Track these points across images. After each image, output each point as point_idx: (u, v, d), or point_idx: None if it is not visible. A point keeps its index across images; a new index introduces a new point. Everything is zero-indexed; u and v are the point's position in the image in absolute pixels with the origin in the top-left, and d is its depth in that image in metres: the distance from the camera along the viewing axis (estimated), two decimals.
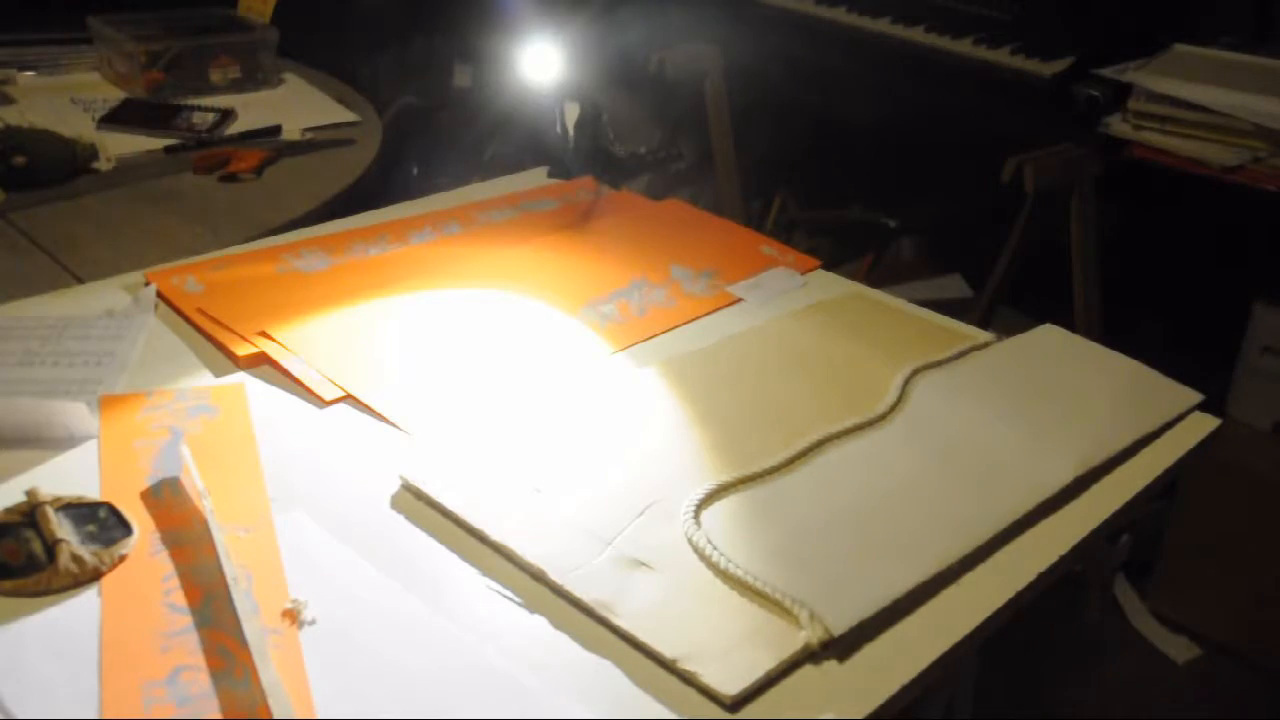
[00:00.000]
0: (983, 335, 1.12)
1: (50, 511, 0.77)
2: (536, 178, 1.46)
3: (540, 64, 1.38)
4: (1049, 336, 1.12)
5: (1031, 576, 0.81)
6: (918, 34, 2.22)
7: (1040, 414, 0.98)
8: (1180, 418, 1.00)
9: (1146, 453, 0.96)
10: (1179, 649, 2.00)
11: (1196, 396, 1.03)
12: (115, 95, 1.88)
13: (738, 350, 1.08)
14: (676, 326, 1.12)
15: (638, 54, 2.12)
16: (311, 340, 1.04)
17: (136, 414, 0.92)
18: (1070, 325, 1.16)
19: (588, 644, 0.73)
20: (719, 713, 0.69)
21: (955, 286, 2.42)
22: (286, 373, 0.99)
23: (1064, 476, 0.90)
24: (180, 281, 1.12)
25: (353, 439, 0.93)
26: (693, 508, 0.84)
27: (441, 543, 0.81)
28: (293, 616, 0.72)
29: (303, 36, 2.11)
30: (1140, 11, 2.10)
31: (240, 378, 0.99)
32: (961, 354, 1.08)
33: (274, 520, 0.81)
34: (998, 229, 1.92)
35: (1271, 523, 1.89)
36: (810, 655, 0.73)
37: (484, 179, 1.47)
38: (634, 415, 0.96)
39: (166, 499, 0.83)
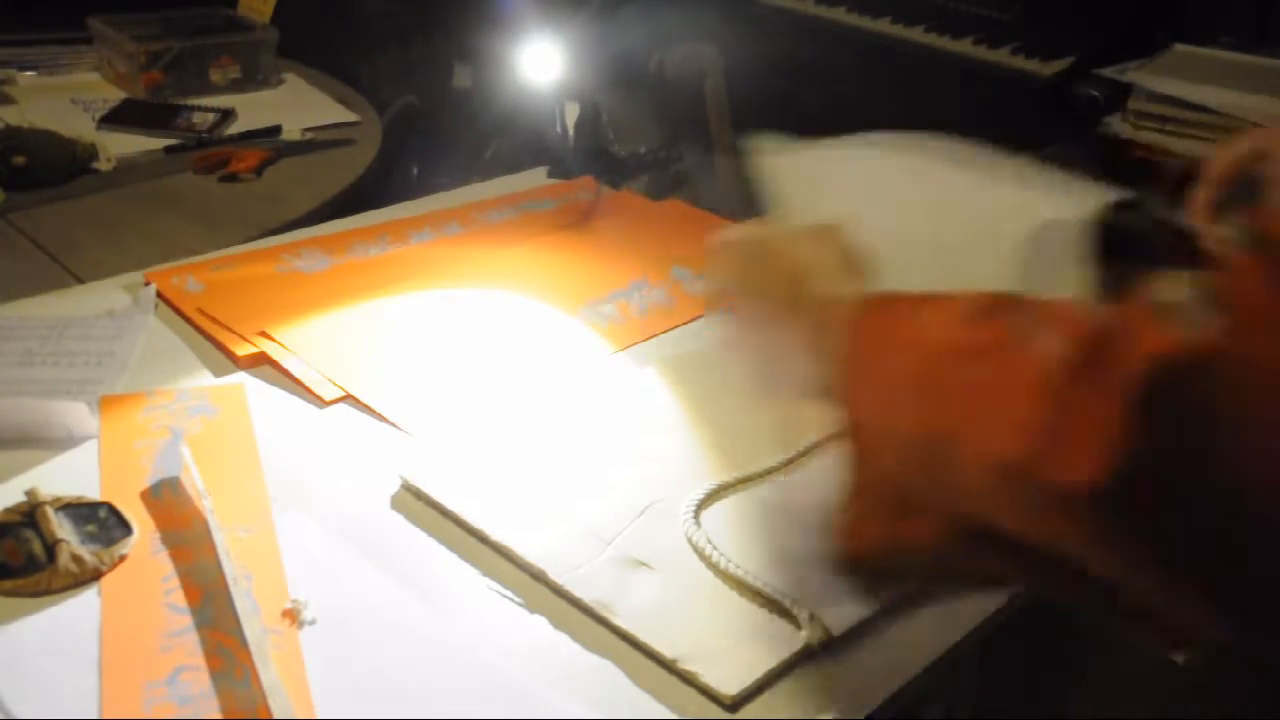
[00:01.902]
0: None
1: (50, 511, 0.77)
2: (536, 178, 1.46)
3: (540, 64, 1.38)
4: None
5: None
6: (918, 34, 2.22)
7: None
8: None
9: None
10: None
11: None
12: (115, 95, 1.88)
13: None
14: (677, 326, 1.12)
15: (638, 54, 2.12)
16: (311, 340, 1.04)
17: (136, 414, 0.92)
18: None
19: (588, 644, 0.73)
20: (719, 713, 0.69)
21: None
22: (286, 373, 0.99)
23: None
24: (180, 281, 1.12)
25: (353, 439, 0.93)
26: (693, 508, 0.84)
27: (441, 543, 0.81)
28: (293, 616, 0.72)
29: (303, 36, 2.11)
30: (1140, 11, 2.10)
31: (240, 378, 0.99)
32: None
33: (274, 520, 0.81)
34: None
35: None
36: (810, 655, 0.73)
37: (484, 179, 1.47)
38: (634, 415, 0.96)
39: (166, 499, 0.83)
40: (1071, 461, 0.49)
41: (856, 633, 0.74)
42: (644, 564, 0.78)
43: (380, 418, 0.95)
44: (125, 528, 0.78)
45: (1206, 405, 0.47)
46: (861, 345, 0.64)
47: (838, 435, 0.65)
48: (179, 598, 0.73)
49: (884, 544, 0.63)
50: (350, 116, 1.88)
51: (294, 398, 0.97)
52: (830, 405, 0.66)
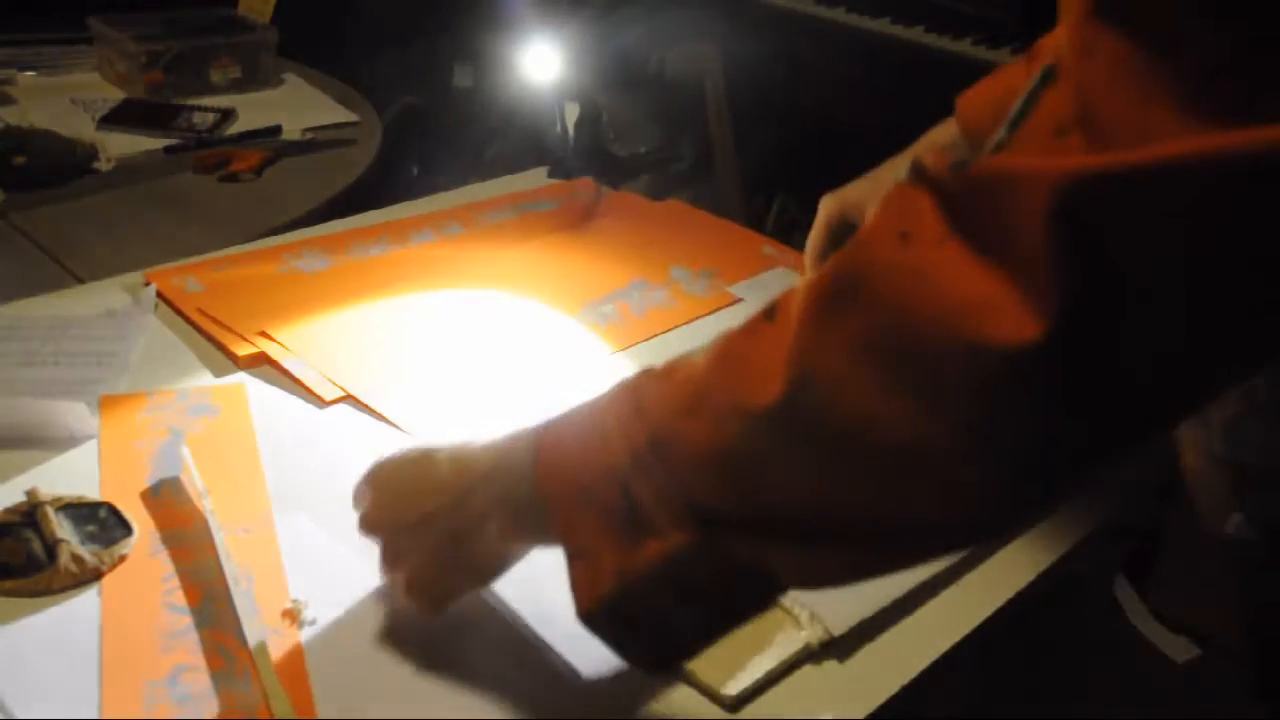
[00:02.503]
0: None
1: (50, 511, 0.77)
2: (536, 178, 1.46)
3: (540, 64, 1.38)
4: None
5: (1031, 577, 0.82)
6: (918, 34, 2.22)
7: None
8: None
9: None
10: (1179, 649, 2.00)
11: None
12: (115, 95, 1.88)
13: None
14: (676, 327, 1.12)
15: (638, 54, 2.12)
16: (311, 340, 1.04)
17: (137, 414, 0.92)
18: None
19: (588, 644, 0.73)
20: (719, 713, 0.69)
21: None
22: (286, 373, 0.99)
23: None
24: (180, 281, 1.12)
25: (353, 439, 0.93)
26: None
27: None
28: (293, 616, 0.72)
29: (303, 36, 2.11)
30: None
31: (240, 378, 0.99)
32: None
33: (274, 520, 0.81)
34: None
35: None
36: (810, 655, 0.73)
37: (484, 179, 1.47)
38: None
39: (166, 499, 0.83)
40: (1013, 317, 0.46)
41: (856, 633, 0.74)
42: None
43: (380, 418, 0.95)
44: (125, 528, 0.78)
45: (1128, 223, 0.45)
46: (547, 449, 0.64)
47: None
48: (179, 598, 0.73)
49: (620, 575, 0.60)
50: (350, 116, 1.88)
51: (294, 398, 0.97)
52: (539, 538, 0.66)
